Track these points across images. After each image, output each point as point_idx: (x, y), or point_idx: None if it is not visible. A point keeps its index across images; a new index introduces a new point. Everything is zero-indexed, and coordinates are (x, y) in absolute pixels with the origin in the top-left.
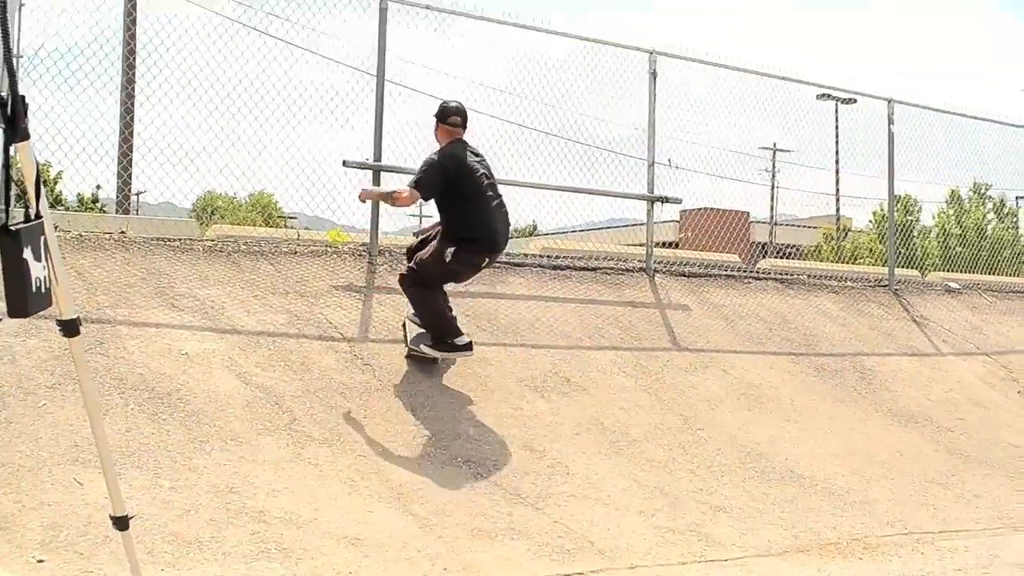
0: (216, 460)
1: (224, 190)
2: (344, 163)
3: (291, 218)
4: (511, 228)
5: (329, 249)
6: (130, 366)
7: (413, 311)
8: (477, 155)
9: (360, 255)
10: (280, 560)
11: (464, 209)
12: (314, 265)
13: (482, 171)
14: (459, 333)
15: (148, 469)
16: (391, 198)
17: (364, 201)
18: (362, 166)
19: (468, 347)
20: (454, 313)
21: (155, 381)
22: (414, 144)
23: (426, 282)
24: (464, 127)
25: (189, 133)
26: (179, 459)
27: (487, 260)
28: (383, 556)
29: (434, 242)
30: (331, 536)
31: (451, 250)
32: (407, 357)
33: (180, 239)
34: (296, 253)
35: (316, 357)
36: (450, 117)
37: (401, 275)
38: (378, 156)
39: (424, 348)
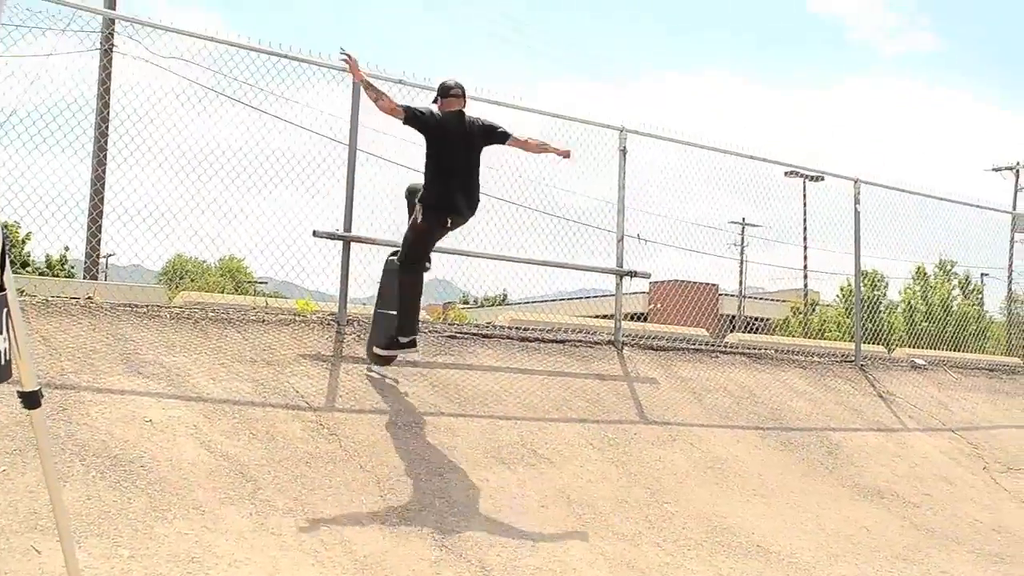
0: (178, 529)
1: (194, 254)
2: (314, 233)
3: (261, 283)
4: (477, 200)
5: (297, 318)
6: (93, 432)
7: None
8: (472, 127)
9: (328, 324)
10: None
11: (435, 174)
12: (282, 333)
13: (463, 146)
14: (414, 333)
15: (108, 537)
16: (377, 94)
17: (357, 75)
18: (332, 236)
19: (412, 344)
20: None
21: (118, 448)
22: (386, 213)
23: (412, 257)
24: (463, 99)
25: (160, 197)
26: (140, 528)
27: (450, 221)
28: None
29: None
30: None
31: (420, 210)
32: (369, 370)
33: (147, 305)
34: (264, 321)
35: (282, 426)
36: (450, 91)
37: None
38: (348, 227)
39: (376, 350)
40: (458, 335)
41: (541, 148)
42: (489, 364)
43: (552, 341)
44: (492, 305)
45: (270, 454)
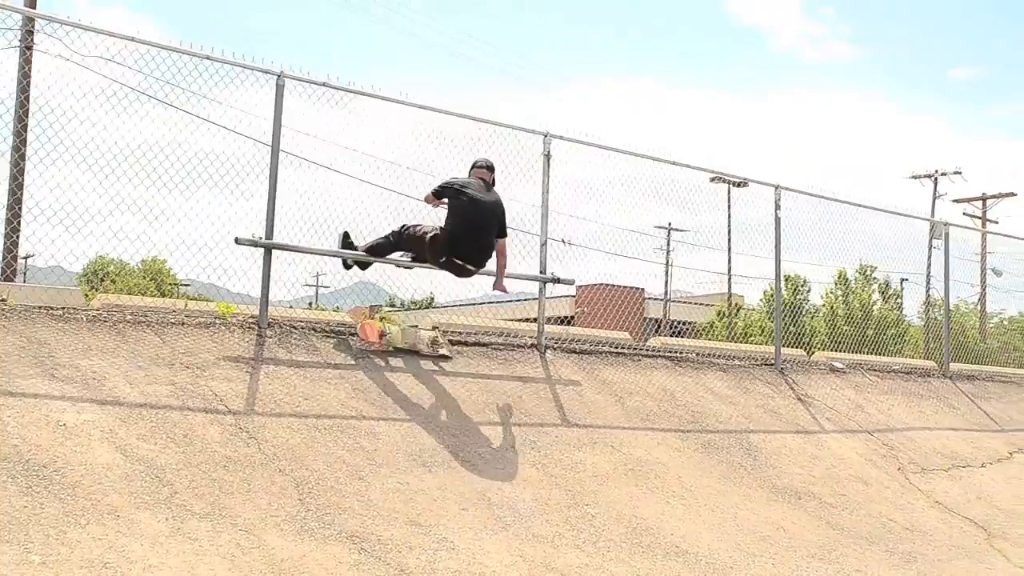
0: (91, 534)
1: (116, 255)
2: (236, 240)
3: (184, 285)
4: (488, 256)
5: (218, 321)
6: (4, 437)
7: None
8: (495, 197)
9: (250, 327)
10: None
11: (454, 220)
12: (202, 336)
13: (481, 206)
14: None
15: (18, 544)
16: (427, 198)
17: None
18: (253, 244)
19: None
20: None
21: (30, 453)
22: (310, 216)
23: (396, 240)
24: (488, 171)
25: (80, 196)
26: (52, 533)
27: (460, 262)
28: None
29: (428, 232)
30: None
31: (437, 232)
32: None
33: (63, 308)
34: (183, 324)
35: (200, 430)
36: (475, 164)
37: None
38: (270, 233)
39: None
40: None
41: (500, 268)
42: (412, 368)
43: (475, 344)
44: (419, 308)
45: (187, 458)
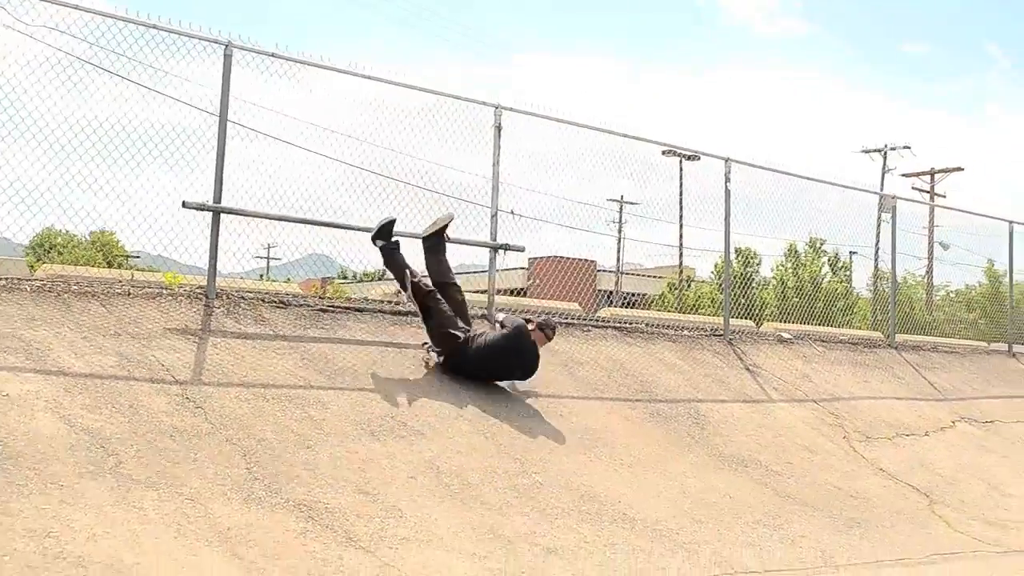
0: (34, 504)
1: (63, 227)
2: (184, 204)
3: (134, 257)
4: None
5: (165, 291)
6: None
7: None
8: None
9: (197, 297)
10: None
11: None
12: (148, 307)
13: None
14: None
15: None
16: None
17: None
18: (202, 207)
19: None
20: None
21: None
22: (257, 186)
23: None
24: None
25: (24, 167)
26: None
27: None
28: None
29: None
30: None
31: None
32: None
33: (6, 278)
34: (130, 295)
35: (145, 400)
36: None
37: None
38: (218, 198)
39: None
40: (330, 308)
41: None
42: (361, 338)
43: None
44: (371, 280)
45: (133, 428)
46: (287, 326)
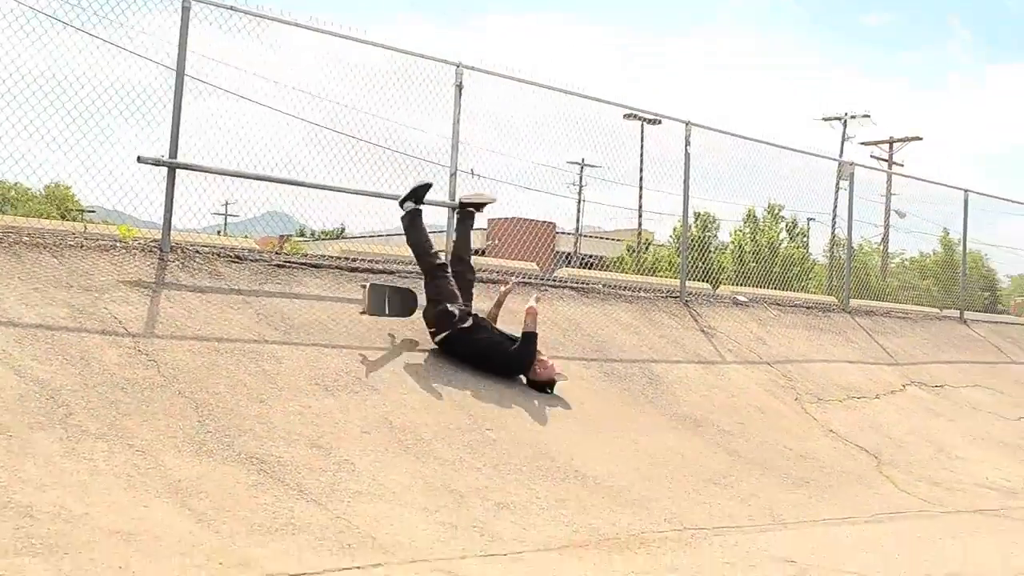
0: None
1: (17, 180)
2: (139, 159)
3: (89, 212)
4: None
5: (119, 244)
6: None
7: None
8: None
9: (151, 251)
10: (45, 556)
11: None
12: (101, 260)
13: None
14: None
15: None
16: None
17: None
18: (157, 162)
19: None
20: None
21: None
22: (215, 142)
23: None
24: None
25: None
26: None
27: None
28: (156, 551)
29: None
30: (102, 531)
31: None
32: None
33: None
34: (83, 247)
35: (97, 352)
36: None
37: None
38: (174, 153)
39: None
40: (286, 264)
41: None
42: (317, 293)
43: (382, 272)
44: (330, 238)
45: (84, 379)
46: (242, 281)
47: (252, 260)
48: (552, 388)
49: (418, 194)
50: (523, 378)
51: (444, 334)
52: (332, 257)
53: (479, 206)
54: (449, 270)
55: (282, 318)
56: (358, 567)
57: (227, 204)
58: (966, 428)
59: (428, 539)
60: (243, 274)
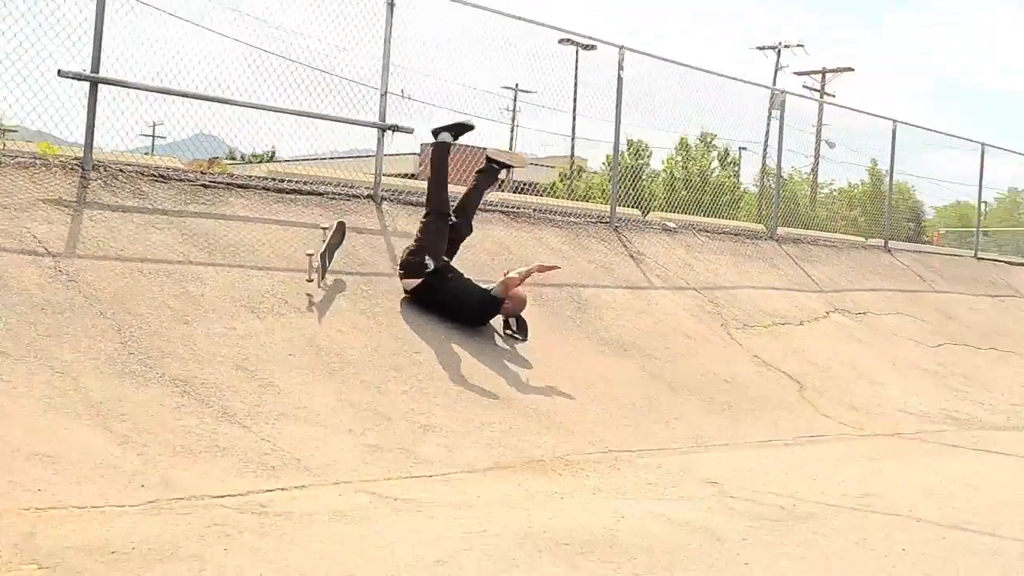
0: None
1: None
2: (59, 73)
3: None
4: None
5: (38, 161)
6: None
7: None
8: None
9: (73, 169)
10: None
11: None
12: (19, 177)
13: None
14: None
15: None
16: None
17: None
18: (78, 77)
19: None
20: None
21: None
22: (143, 59)
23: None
24: None
25: None
26: None
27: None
28: (76, 473)
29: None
30: (20, 453)
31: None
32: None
33: None
34: (1, 164)
35: (15, 271)
36: None
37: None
38: (96, 67)
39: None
40: (212, 184)
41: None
42: (243, 215)
43: (310, 193)
44: (261, 162)
45: (2, 300)
46: (167, 201)
47: (177, 180)
48: (521, 329)
49: (458, 130)
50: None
51: (415, 282)
52: (259, 178)
53: (507, 167)
54: (450, 221)
55: (207, 239)
56: (282, 488)
57: (155, 125)
58: (887, 355)
59: (353, 461)
60: (168, 194)
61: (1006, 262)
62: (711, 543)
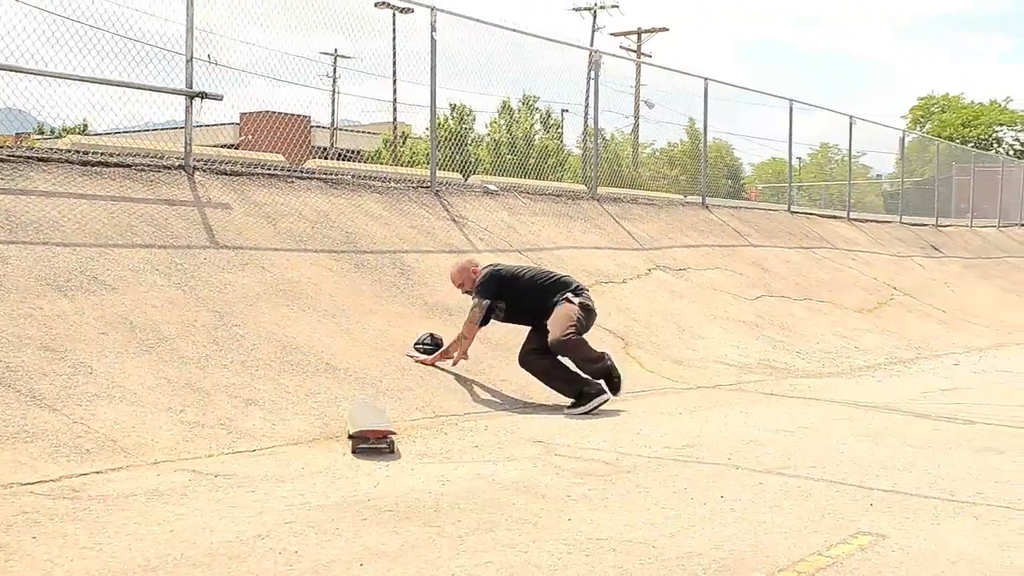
0: None
1: None
2: None
3: None
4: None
5: None
6: None
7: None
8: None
9: None
10: None
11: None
12: None
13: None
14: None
15: None
16: (469, 335)
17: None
18: None
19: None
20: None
21: None
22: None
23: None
24: None
25: None
26: None
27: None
28: None
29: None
30: None
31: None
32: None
33: None
34: None
35: None
36: None
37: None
38: None
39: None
40: (9, 159)
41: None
42: (45, 189)
43: (117, 165)
44: (72, 134)
45: None
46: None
47: None
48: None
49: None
50: None
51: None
52: (62, 151)
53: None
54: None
55: (7, 216)
56: (98, 471)
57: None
58: (708, 309)
59: (173, 439)
60: None
61: (818, 215)
62: (535, 501)
